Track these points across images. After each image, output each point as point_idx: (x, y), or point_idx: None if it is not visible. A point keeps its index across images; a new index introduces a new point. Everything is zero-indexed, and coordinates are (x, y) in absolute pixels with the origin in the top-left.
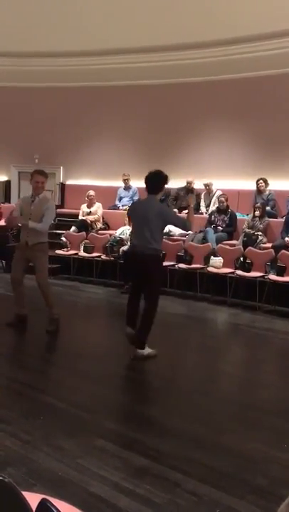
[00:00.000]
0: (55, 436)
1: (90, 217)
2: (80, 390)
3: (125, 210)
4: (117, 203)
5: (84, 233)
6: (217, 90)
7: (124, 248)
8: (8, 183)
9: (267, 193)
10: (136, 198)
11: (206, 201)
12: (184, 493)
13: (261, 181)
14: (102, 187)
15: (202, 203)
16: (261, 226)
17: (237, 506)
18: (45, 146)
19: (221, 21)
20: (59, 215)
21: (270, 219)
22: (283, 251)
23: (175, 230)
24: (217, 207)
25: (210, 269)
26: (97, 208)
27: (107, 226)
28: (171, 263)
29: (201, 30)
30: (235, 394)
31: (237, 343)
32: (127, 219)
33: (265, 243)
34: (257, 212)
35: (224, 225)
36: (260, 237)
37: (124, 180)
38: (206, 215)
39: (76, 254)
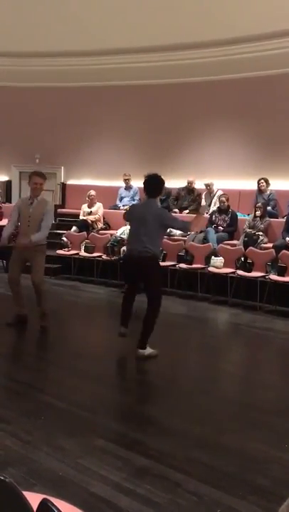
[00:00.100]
0: (56, 436)
1: (91, 217)
2: (80, 390)
3: (126, 209)
4: (117, 202)
5: (85, 233)
6: (217, 90)
7: (125, 248)
8: (8, 183)
9: (268, 192)
10: (137, 197)
11: (207, 201)
12: (184, 493)
13: (262, 181)
14: (103, 187)
15: (203, 203)
16: (262, 226)
17: (238, 506)
18: (46, 146)
19: (220, 21)
20: (60, 215)
21: (271, 219)
22: (284, 251)
23: (176, 230)
24: (218, 207)
25: (211, 269)
26: (98, 208)
27: (107, 226)
28: (172, 263)
29: (200, 30)
30: (235, 394)
31: (238, 343)
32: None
33: (266, 243)
34: (258, 212)
35: (225, 225)
36: (261, 237)
37: (125, 180)
38: (207, 215)
39: (77, 254)
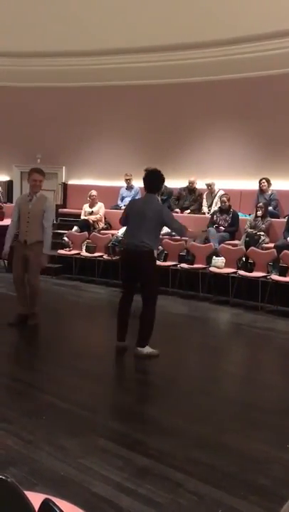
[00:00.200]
0: (57, 436)
1: (92, 217)
2: (81, 390)
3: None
4: (119, 202)
5: (86, 233)
6: (218, 90)
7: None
8: (10, 183)
9: (269, 192)
10: (138, 197)
11: (208, 201)
12: (185, 493)
13: (264, 181)
14: (104, 187)
15: (204, 203)
16: (263, 226)
17: (239, 506)
18: (47, 146)
19: (221, 21)
20: (61, 215)
21: (273, 219)
22: (285, 251)
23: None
24: (219, 207)
25: (212, 269)
26: (99, 208)
27: (109, 226)
28: (174, 263)
29: (201, 30)
30: (236, 394)
31: (239, 343)
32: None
33: (267, 243)
34: (259, 212)
35: (226, 225)
36: (262, 237)
37: (126, 180)
38: (208, 215)
39: (78, 254)
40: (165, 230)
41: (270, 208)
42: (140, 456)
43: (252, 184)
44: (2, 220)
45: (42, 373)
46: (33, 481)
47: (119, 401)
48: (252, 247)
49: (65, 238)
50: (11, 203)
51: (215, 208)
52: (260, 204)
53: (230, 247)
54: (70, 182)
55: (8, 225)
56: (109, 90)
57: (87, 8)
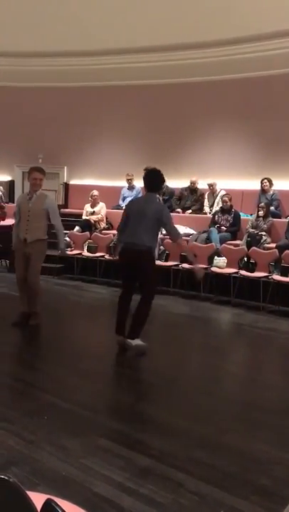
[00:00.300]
0: (59, 436)
1: (94, 217)
2: (83, 390)
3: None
4: (120, 202)
5: (87, 233)
6: (219, 90)
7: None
8: (11, 183)
9: (271, 192)
10: (138, 196)
11: (210, 201)
12: (187, 493)
13: (266, 181)
14: (106, 187)
15: (206, 203)
16: (265, 226)
17: (240, 507)
18: (49, 146)
19: (222, 21)
20: (63, 215)
21: (274, 219)
22: (287, 251)
23: (179, 230)
24: (221, 207)
25: (214, 269)
26: (101, 208)
27: (110, 226)
28: (175, 263)
29: (202, 30)
30: (238, 394)
31: (240, 343)
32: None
33: (269, 243)
34: (261, 212)
35: (228, 225)
36: (264, 237)
37: (128, 180)
38: (210, 215)
39: (80, 254)
40: None
41: (272, 208)
42: (141, 456)
43: (254, 184)
44: (4, 219)
45: (43, 373)
46: (34, 481)
47: (121, 401)
48: (253, 247)
49: (67, 238)
50: (13, 203)
51: (216, 208)
52: (262, 204)
53: (231, 247)
54: (72, 182)
55: (10, 225)
56: (110, 90)
57: (88, 9)
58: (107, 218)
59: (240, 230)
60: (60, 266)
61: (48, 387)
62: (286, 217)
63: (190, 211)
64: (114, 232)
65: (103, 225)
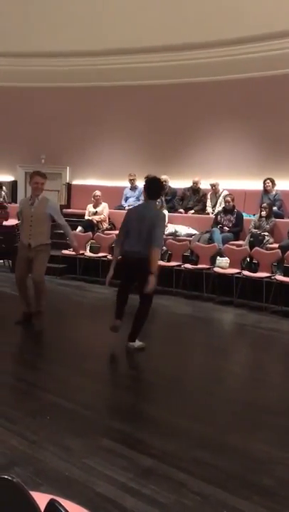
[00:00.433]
0: (62, 436)
1: (96, 217)
2: (85, 390)
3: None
4: (123, 203)
5: (90, 233)
6: (223, 90)
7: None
8: (14, 184)
9: (274, 193)
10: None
11: (213, 201)
12: (189, 493)
13: (268, 181)
14: (108, 187)
15: (208, 203)
16: (268, 226)
17: (242, 507)
18: (52, 146)
19: (226, 21)
20: (65, 215)
21: (277, 219)
22: None
23: (181, 230)
24: (223, 207)
25: (216, 269)
26: (103, 208)
27: (113, 226)
28: (178, 263)
29: (205, 31)
30: (240, 394)
31: (243, 343)
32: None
33: (271, 243)
34: (263, 213)
35: (230, 225)
36: (266, 238)
37: (130, 181)
38: (213, 216)
39: (82, 254)
40: (169, 230)
41: (275, 208)
42: (144, 456)
43: (256, 184)
44: (7, 220)
45: (46, 373)
46: (37, 481)
47: (123, 401)
48: (256, 248)
49: None
50: (16, 203)
51: (219, 208)
52: (265, 204)
53: (234, 247)
54: (74, 182)
55: (12, 226)
56: (112, 90)
57: (91, 9)
58: (109, 218)
59: (243, 231)
60: (62, 266)
61: (50, 387)
62: None
63: (192, 211)
64: (117, 232)
65: (106, 225)
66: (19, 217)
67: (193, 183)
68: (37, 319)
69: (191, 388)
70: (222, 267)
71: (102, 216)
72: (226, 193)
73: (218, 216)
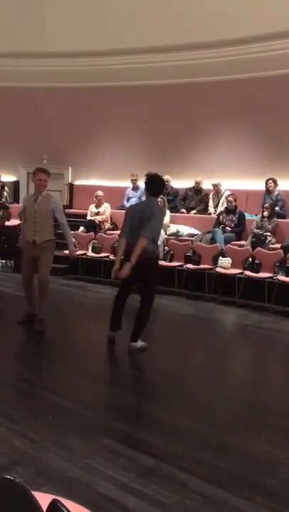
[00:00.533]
0: (64, 436)
1: (98, 218)
2: (87, 390)
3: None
4: (125, 203)
5: (92, 233)
6: (225, 90)
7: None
8: (16, 184)
9: (276, 193)
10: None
11: (215, 201)
12: (191, 493)
13: (270, 181)
14: (111, 187)
15: (210, 204)
16: (270, 226)
17: (244, 507)
18: (54, 146)
19: (227, 21)
20: (67, 216)
21: (279, 219)
22: None
23: (183, 231)
24: (225, 207)
25: (218, 269)
26: (106, 208)
27: (115, 226)
28: (180, 263)
29: (208, 31)
30: (242, 394)
31: (245, 343)
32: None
33: (273, 244)
34: (266, 213)
35: (233, 225)
36: (268, 238)
37: (133, 181)
38: (215, 216)
39: (84, 254)
40: (171, 230)
41: (277, 208)
42: (145, 456)
43: (258, 184)
44: (9, 220)
45: (48, 373)
46: (39, 481)
47: (125, 401)
48: (258, 248)
49: (72, 239)
50: (18, 203)
51: (221, 208)
52: (267, 204)
53: (236, 247)
54: (76, 182)
55: (15, 226)
56: (115, 91)
57: (94, 9)
58: (111, 219)
59: (245, 231)
60: (64, 266)
61: (52, 388)
62: None
63: (195, 211)
64: (119, 232)
65: (108, 225)
66: (21, 217)
67: (196, 183)
68: (39, 325)
69: (192, 388)
70: (224, 267)
71: (104, 216)
72: (228, 193)
73: (220, 216)
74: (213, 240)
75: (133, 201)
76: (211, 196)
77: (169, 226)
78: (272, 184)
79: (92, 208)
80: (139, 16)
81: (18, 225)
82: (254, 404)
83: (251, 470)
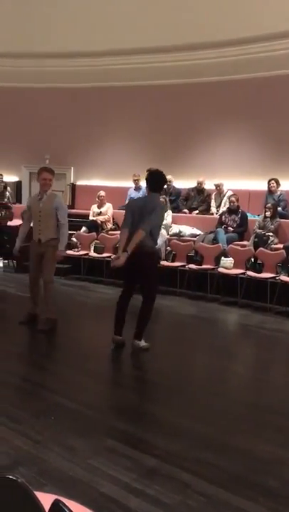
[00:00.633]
0: (66, 436)
1: (101, 218)
2: (90, 390)
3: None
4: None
5: (94, 233)
6: (227, 91)
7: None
8: (19, 184)
9: (278, 193)
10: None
11: (217, 201)
12: (193, 493)
13: (273, 181)
14: (113, 187)
15: (213, 204)
16: (272, 227)
17: (246, 507)
18: (56, 146)
19: (229, 21)
20: (69, 216)
21: (282, 219)
22: None
23: (185, 231)
24: (228, 207)
25: (221, 269)
26: (108, 209)
27: (117, 226)
28: (182, 264)
29: (209, 31)
30: (245, 394)
31: (247, 344)
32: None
33: (276, 244)
34: (268, 213)
35: (235, 226)
36: (271, 238)
37: (135, 181)
38: (217, 216)
39: (86, 254)
40: (173, 230)
41: (279, 208)
42: (148, 456)
43: (261, 185)
44: (11, 220)
45: (51, 373)
46: (41, 481)
47: (127, 401)
48: (261, 248)
49: (74, 239)
50: (20, 203)
51: (223, 208)
52: (269, 205)
53: (238, 247)
54: (79, 183)
55: (17, 226)
56: (117, 91)
57: (96, 9)
58: (113, 219)
59: (248, 231)
60: (67, 266)
61: (54, 388)
62: None
63: (197, 211)
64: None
65: (110, 225)
66: (23, 217)
67: (198, 184)
68: (44, 325)
69: (194, 388)
70: (226, 268)
71: (106, 216)
72: (230, 193)
73: (223, 216)
74: (215, 240)
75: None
76: (213, 196)
77: (171, 226)
78: (275, 184)
79: (94, 208)
80: (140, 17)
81: (20, 225)
82: (256, 405)
83: (253, 470)
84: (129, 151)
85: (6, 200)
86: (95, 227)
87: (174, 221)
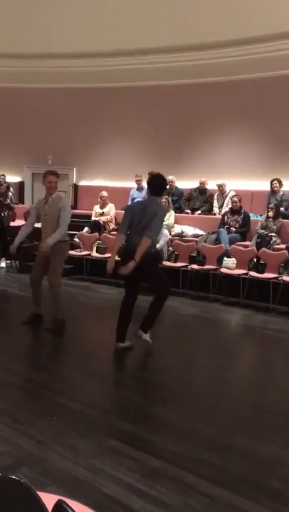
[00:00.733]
0: (69, 437)
1: (103, 218)
2: (92, 390)
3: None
4: (129, 203)
5: (97, 234)
6: (230, 91)
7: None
8: (21, 184)
9: (281, 193)
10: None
11: (219, 202)
12: (197, 494)
13: (275, 182)
14: (115, 188)
15: (215, 204)
16: (275, 227)
17: (250, 509)
18: (58, 147)
19: (232, 21)
20: (72, 216)
21: (284, 220)
22: None
23: (188, 231)
24: (230, 207)
25: (223, 270)
26: (110, 209)
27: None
28: (184, 264)
29: (212, 31)
30: (247, 395)
31: (250, 344)
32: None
33: (278, 244)
34: (270, 213)
35: (237, 226)
36: (273, 238)
37: (137, 181)
38: (219, 216)
39: (89, 254)
40: (175, 231)
41: (282, 208)
42: (151, 457)
43: (263, 185)
44: (14, 220)
45: (53, 374)
46: (44, 481)
47: (130, 402)
48: (263, 248)
49: (76, 239)
50: (23, 204)
51: (226, 208)
52: (272, 205)
53: (241, 248)
54: (81, 183)
55: (20, 226)
56: (119, 91)
57: (97, 10)
58: (116, 219)
59: (250, 231)
60: (69, 267)
61: (57, 388)
62: None
63: (199, 212)
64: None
65: (112, 225)
66: (29, 220)
67: (200, 184)
68: (51, 324)
69: (197, 389)
70: (229, 268)
71: (108, 217)
72: (232, 193)
73: (225, 217)
74: (217, 241)
75: (131, 203)
76: (215, 197)
77: (173, 227)
78: (277, 184)
79: (97, 208)
80: (142, 17)
81: (23, 225)
82: (259, 405)
83: (257, 471)
84: (132, 151)
85: (8, 200)
86: (97, 227)
87: (177, 221)
